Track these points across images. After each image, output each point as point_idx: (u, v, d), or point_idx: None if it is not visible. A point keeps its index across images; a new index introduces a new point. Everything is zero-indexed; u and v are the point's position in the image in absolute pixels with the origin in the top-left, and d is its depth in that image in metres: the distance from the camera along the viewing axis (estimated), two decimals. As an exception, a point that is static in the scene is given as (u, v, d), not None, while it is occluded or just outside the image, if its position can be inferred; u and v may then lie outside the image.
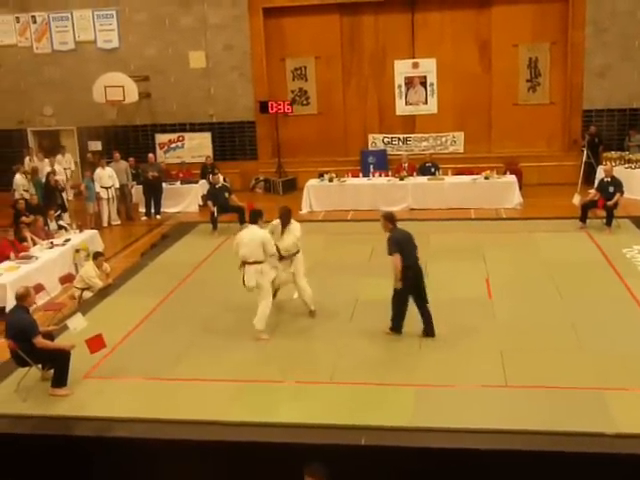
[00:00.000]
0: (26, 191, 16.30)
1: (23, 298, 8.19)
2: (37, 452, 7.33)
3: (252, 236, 9.40)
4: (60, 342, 8.58)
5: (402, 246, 8.98)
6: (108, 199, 16.96)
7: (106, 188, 16.89)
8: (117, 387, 8.27)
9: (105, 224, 16.88)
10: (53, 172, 17.15)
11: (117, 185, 17.15)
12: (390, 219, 9.26)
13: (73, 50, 20.40)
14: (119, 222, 17.31)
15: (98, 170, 17.01)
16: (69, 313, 10.47)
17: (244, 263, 9.44)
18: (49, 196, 15.83)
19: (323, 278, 11.67)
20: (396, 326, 9.23)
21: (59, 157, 19.09)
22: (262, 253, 9.35)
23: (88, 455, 7.28)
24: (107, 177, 16.98)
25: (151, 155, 18.30)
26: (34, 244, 13.04)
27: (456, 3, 19.20)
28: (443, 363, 8.49)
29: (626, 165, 17.11)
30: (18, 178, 16.67)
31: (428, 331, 9.17)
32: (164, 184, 18.09)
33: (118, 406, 7.79)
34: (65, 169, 18.89)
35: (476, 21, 19.39)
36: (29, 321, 8.05)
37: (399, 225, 9.38)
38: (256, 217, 9.69)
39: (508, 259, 12.38)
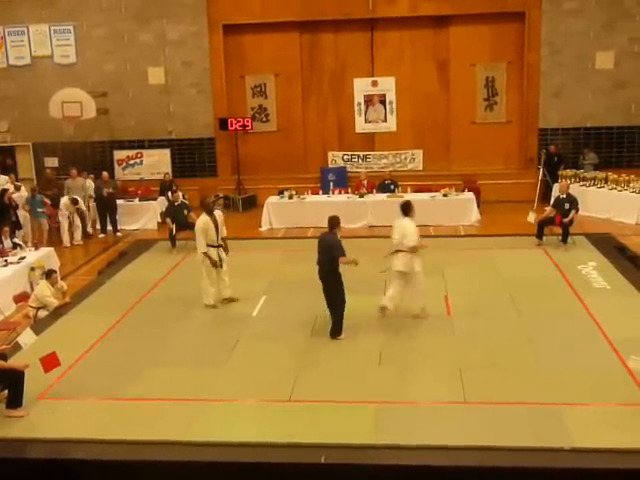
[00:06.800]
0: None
1: None
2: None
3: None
4: (13, 362, 8.38)
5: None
6: (71, 217, 16.68)
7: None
8: (73, 408, 8.10)
9: (68, 244, 16.51)
10: (17, 188, 16.84)
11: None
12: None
13: (29, 65, 20.12)
14: (81, 243, 16.80)
15: (69, 181, 16.93)
16: (22, 331, 10.27)
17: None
18: (3, 213, 15.51)
19: (283, 295, 11.71)
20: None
21: None
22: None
23: (43, 478, 7.12)
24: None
25: (105, 173, 17.87)
26: (-13, 262, 12.76)
27: (415, 23, 19.40)
28: (403, 380, 8.52)
29: (581, 183, 17.42)
30: None
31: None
32: (122, 201, 17.90)
33: (74, 427, 7.64)
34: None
35: (434, 41, 19.65)
36: None
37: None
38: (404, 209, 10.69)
39: (466, 276, 12.49)
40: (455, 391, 8.14)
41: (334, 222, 10.07)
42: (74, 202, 16.62)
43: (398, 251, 10.37)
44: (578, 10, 18.53)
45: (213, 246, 11.18)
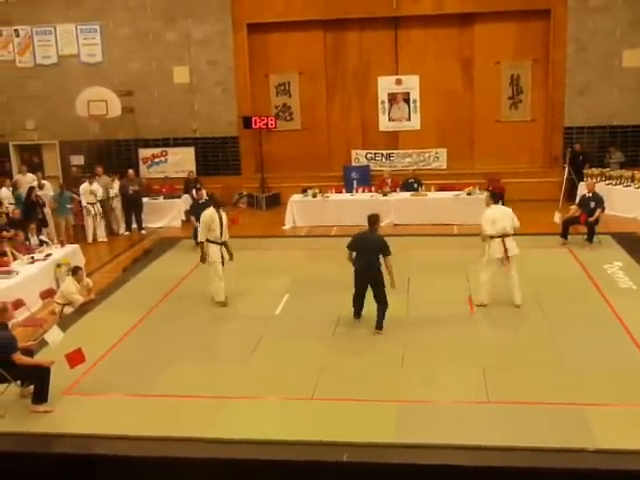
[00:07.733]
0: (12, 204, 16.19)
1: (1, 314, 8.10)
2: (16, 470, 7.23)
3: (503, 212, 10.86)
4: (39, 358, 8.50)
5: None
6: (94, 215, 16.83)
7: (91, 204, 16.79)
8: (98, 404, 8.17)
9: (90, 240, 16.71)
10: (40, 186, 17.01)
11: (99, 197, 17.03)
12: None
13: (56, 64, 20.33)
14: (106, 240, 16.99)
15: (84, 185, 16.94)
16: (49, 329, 10.38)
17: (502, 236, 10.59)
18: (29, 211, 15.71)
19: (306, 293, 11.73)
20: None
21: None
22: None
23: (68, 473, 7.20)
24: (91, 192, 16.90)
25: (131, 171, 18.05)
26: (14, 259, 12.91)
27: (439, 21, 19.34)
28: (425, 379, 8.49)
29: (607, 182, 17.25)
30: (3, 191, 16.57)
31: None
32: (147, 199, 18.02)
33: (99, 423, 7.71)
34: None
35: (459, 39, 19.57)
36: (7, 337, 7.96)
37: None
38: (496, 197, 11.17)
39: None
40: (478, 390, 8.10)
41: (375, 219, 10.21)
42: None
43: (504, 236, 10.61)
44: (604, 8, 18.35)
45: (216, 243, 11.23)
